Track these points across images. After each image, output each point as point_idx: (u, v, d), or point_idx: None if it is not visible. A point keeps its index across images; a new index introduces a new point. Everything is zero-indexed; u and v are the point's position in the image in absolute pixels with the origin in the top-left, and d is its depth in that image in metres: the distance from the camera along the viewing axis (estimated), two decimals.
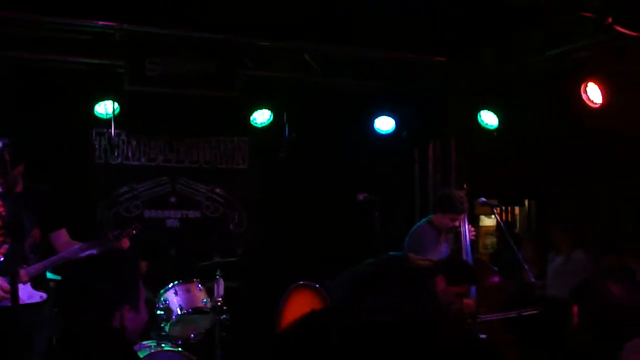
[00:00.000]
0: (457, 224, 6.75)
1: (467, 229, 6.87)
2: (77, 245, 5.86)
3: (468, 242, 6.84)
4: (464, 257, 6.75)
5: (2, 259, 5.63)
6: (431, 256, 6.58)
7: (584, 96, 7.29)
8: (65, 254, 5.81)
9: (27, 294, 5.60)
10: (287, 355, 2.21)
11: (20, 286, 5.56)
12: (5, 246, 5.68)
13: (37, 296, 5.60)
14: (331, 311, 3.60)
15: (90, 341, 2.97)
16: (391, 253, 6.35)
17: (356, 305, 5.95)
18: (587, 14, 6.91)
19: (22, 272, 5.64)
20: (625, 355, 2.35)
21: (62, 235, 5.95)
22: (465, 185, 7.22)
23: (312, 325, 2.30)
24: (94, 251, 5.80)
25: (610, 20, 6.65)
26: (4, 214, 5.70)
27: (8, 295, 5.47)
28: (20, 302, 5.17)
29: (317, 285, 7.42)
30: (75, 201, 7.77)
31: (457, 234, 6.91)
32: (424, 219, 7.08)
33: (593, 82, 7.25)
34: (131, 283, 3.32)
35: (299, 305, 7.21)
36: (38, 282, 5.62)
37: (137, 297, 3.41)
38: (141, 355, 6.52)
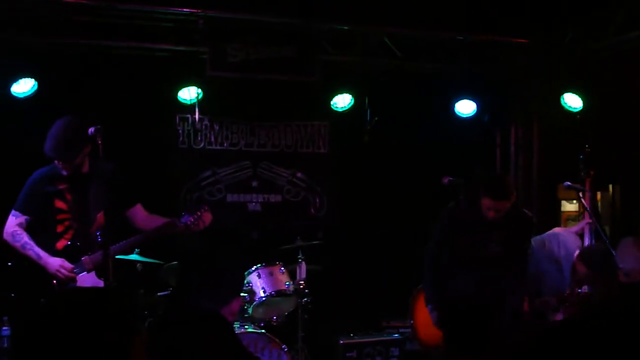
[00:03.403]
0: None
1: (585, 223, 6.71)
2: (159, 220, 5.76)
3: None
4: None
5: (68, 244, 5.59)
6: None
7: None
8: (125, 243, 5.69)
9: (91, 282, 5.49)
10: None
11: (85, 274, 5.55)
12: (71, 232, 5.62)
13: (102, 285, 5.33)
14: None
15: (197, 326, 3.03)
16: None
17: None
18: None
19: (87, 260, 5.57)
20: None
21: (139, 211, 5.86)
22: (591, 172, 6.93)
23: None
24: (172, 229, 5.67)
25: None
26: (70, 198, 5.63)
27: (72, 275, 5.48)
28: None
29: None
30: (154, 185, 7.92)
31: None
32: None
33: None
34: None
35: None
36: (104, 271, 5.24)
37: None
38: None
